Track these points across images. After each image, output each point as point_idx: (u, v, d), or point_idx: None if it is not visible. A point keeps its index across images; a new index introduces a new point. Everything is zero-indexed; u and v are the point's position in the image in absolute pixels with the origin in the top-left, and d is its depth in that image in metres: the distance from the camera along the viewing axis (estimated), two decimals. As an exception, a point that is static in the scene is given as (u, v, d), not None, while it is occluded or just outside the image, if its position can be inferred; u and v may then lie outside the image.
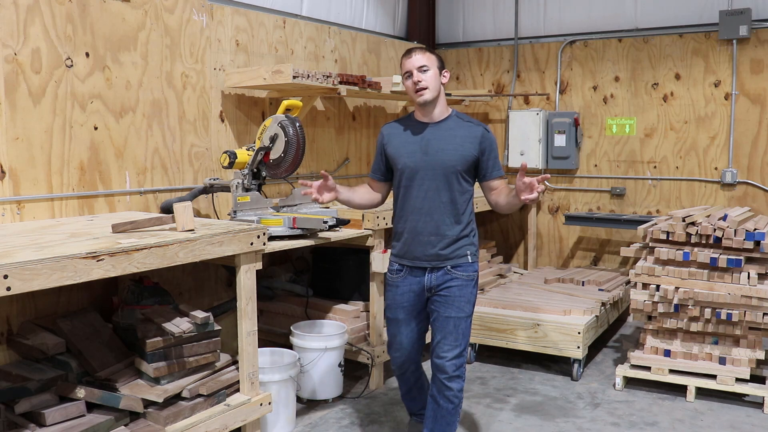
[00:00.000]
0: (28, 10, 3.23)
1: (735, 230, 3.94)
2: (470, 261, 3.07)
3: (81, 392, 2.77)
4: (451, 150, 3.00)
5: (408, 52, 3.03)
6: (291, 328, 4.05)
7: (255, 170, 3.74)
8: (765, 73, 5.19)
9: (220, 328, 3.24)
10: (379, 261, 3.97)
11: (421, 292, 3.09)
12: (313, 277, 4.63)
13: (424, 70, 2.98)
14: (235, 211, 3.60)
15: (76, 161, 3.47)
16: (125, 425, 2.84)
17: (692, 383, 4.08)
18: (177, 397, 3.03)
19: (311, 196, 3.05)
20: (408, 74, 3.01)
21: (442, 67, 3.05)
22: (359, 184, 5.41)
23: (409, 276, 3.09)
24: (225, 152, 3.72)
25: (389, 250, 3.25)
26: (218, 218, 4.14)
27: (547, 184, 6.10)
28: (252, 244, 3.10)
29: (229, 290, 4.23)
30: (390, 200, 3.27)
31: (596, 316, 4.59)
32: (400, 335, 3.18)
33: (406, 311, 3.14)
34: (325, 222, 3.57)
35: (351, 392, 4.19)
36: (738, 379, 3.99)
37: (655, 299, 4.10)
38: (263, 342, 3.78)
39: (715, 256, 3.98)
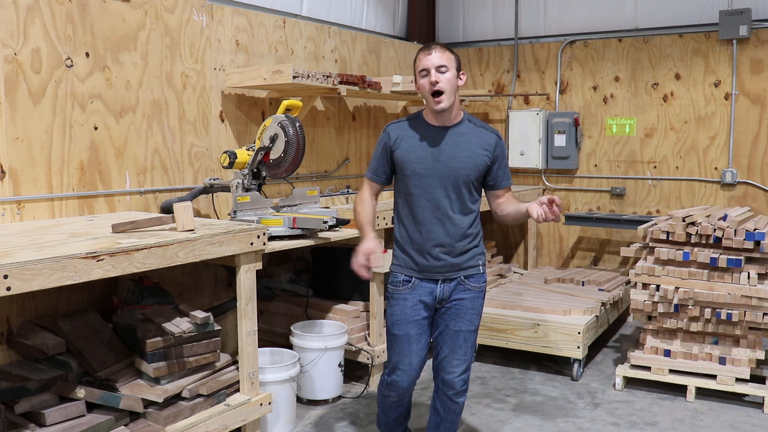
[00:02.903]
0: (28, 10, 3.22)
1: (735, 230, 3.94)
2: (481, 271, 2.93)
3: (81, 392, 2.77)
4: (464, 157, 2.82)
5: (427, 48, 2.77)
6: (291, 328, 4.05)
7: (255, 170, 3.74)
8: (765, 73, 5.19)
9: (220, 328, 3.24)
10: (379, 261, 3.95)
11: (431, 304, 2.91)
12: (313, 277, 4.63)
13: (443, 71, 2.73)
14: (235, 211, 3.60)
15: (76, 161, 3.47)
16: (125, 425, 2.84)
17: (692, 383, 4.08)
18: (177, 397, 3.03)
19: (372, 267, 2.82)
20: (425, 72, 2.75)
21: (459, 69, 2.81)
22: (359, 184, 5.46)
23: (419, 286, 2.90)
24: (225, 152, 3.72)
25: (389, 250, 3.15)
26: (218, 218, 4.13)
27: (546, 183, 6.11)
28: (252, 244, 3.10)
29: (229, 290, 4.23)
30: (388, 199, 3.22)
31: (596, 316, 4.60)
32: (411, 354, 2.90)
33: (419, 325, 2.90)
34: (325, 222, 3.57)
35: (351, 392, 4.19)
36: (738, 379, 3.99)
37: (655, 299, 4.10)
38: (263, 342, 3.78)
39: (715, 256, 3.98)
